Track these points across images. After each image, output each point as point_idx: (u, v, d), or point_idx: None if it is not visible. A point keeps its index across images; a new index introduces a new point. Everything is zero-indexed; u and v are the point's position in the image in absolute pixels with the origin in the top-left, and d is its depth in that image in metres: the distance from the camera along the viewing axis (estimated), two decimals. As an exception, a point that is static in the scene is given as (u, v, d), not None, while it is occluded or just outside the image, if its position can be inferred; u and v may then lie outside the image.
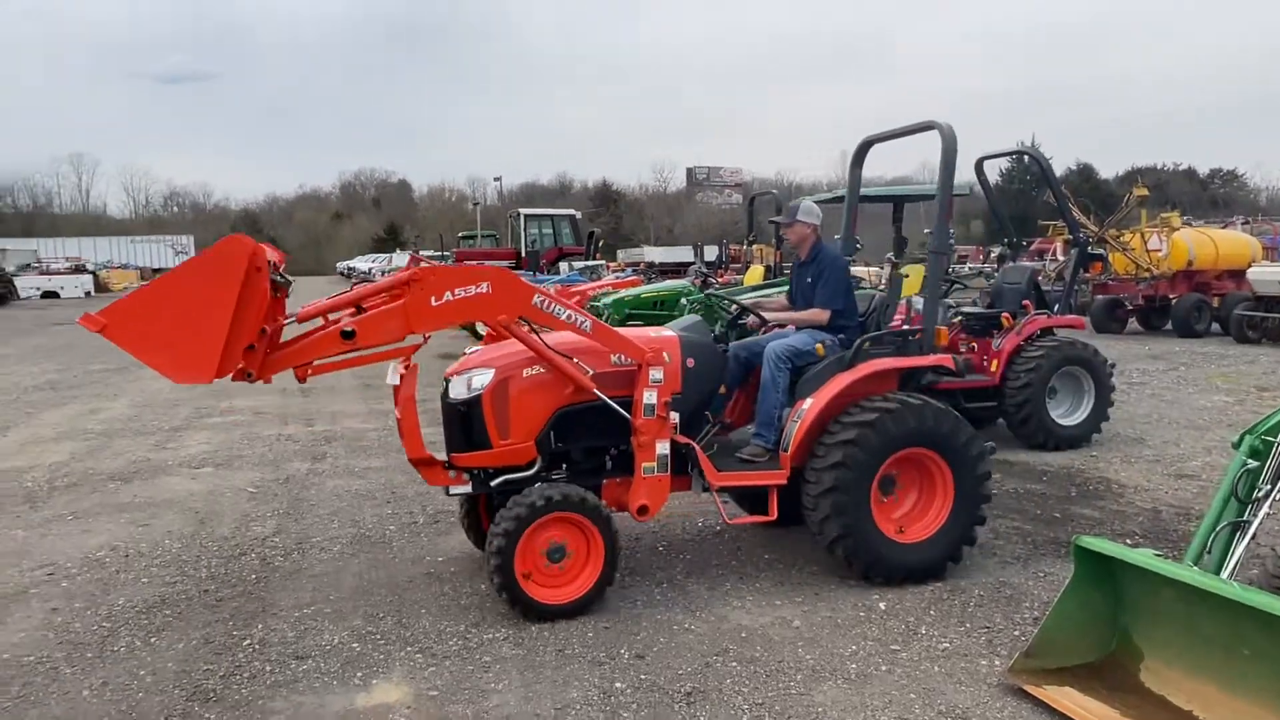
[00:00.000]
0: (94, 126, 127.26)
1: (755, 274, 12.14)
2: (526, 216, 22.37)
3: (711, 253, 21.14)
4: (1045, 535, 5.62)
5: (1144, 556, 3.43)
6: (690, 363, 4.82)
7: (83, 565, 5.30)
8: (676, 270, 26.87)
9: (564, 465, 4.89)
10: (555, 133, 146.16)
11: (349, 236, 77.72)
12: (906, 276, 9.92)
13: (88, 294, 42.56)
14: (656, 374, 4.60)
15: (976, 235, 55.26)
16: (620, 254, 36.76)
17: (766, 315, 5.45)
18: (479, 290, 4.33)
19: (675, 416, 4.69)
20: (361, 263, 54.07)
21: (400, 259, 41.48)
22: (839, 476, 4.60)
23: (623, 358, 4.66)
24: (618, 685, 3.76)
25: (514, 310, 4.40)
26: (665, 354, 4.72)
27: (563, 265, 19.34)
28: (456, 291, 4.29)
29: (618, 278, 15.21)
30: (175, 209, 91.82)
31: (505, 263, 21.81)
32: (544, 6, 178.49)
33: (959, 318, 8.43)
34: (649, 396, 4.59)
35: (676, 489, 4.85)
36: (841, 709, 3.55)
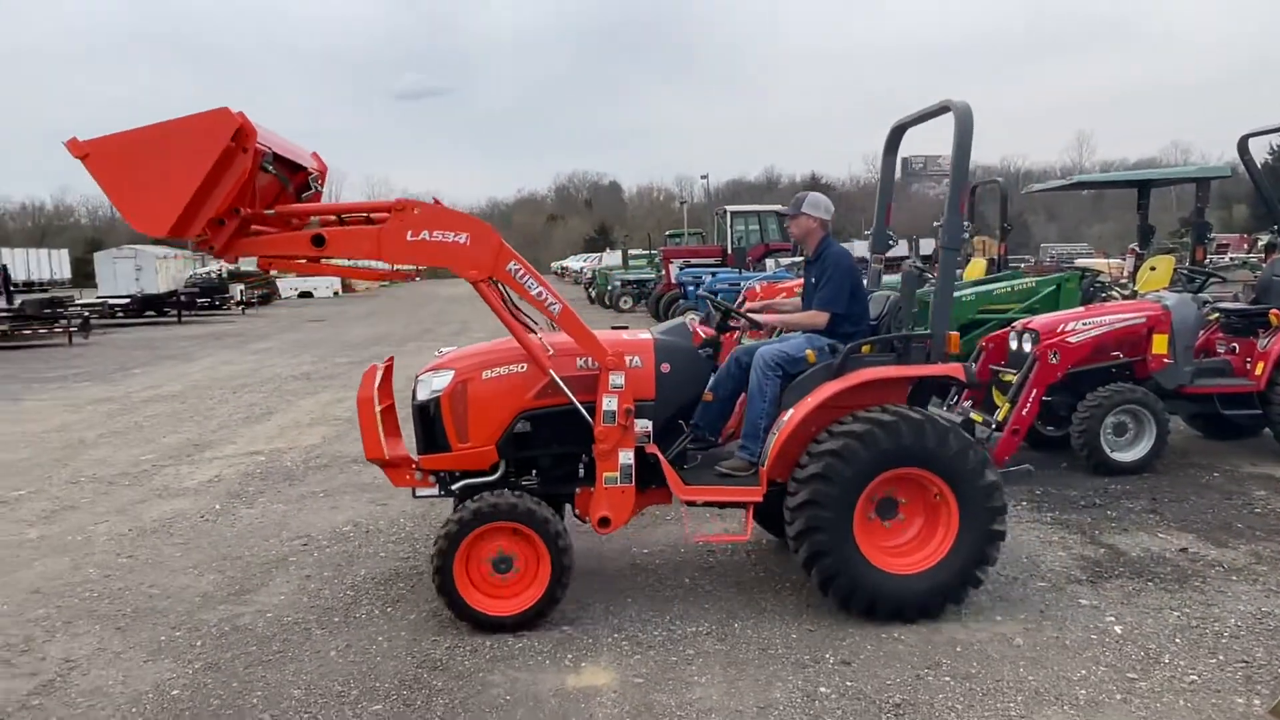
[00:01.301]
0: (343, 141, 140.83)
1: (977, 268, 11.43)
2: (732, 213, 22.42)
3: (928, 246, 20.19)
4: (1321, 562, 4.92)
5: None
6: (665, 368, 4.56)
7: (331, 538, 5.87)
8: (891, 265, 25.80)
9: (534, 471, 4.74)
10: (763, 127, 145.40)
11: (562, 237, 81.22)
12: (1154, 269, 8.99)
13: (335, 294, 47.19)
14: (617, 379, 4.35)
15: (1240, 222, 49.36)
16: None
17: (758, 317, 5.07)
18: (456, 239, 4.20)
19: (647, 424, 4.43)
20: (574, 262, 56.28)
21: (611, 258, 42.78)
22: (818, 490, 4.20)
23: (589, 361, 4.44)
24: (822, 690, 3.69)
25: (485, 269, 4.24)
26: (636, 358, 4.51)
27: (769, 262, 19.21)
28: (435, 234, 4.17)
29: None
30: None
31: (712, 260, 22.01)
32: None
33: (1216, 314, 7.60)
34: (609, 403, 4.31)
35: (655, 501, 4.68)
36: (1068, 737, 3.29)
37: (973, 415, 6.53)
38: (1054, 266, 21.70)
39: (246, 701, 3.70)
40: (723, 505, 4.86)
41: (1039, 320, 7.14)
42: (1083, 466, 6.86)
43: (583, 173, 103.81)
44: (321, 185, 4.38)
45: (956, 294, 11.16)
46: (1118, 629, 4.17)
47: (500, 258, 4.23)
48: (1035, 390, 6.57)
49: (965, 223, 4.63)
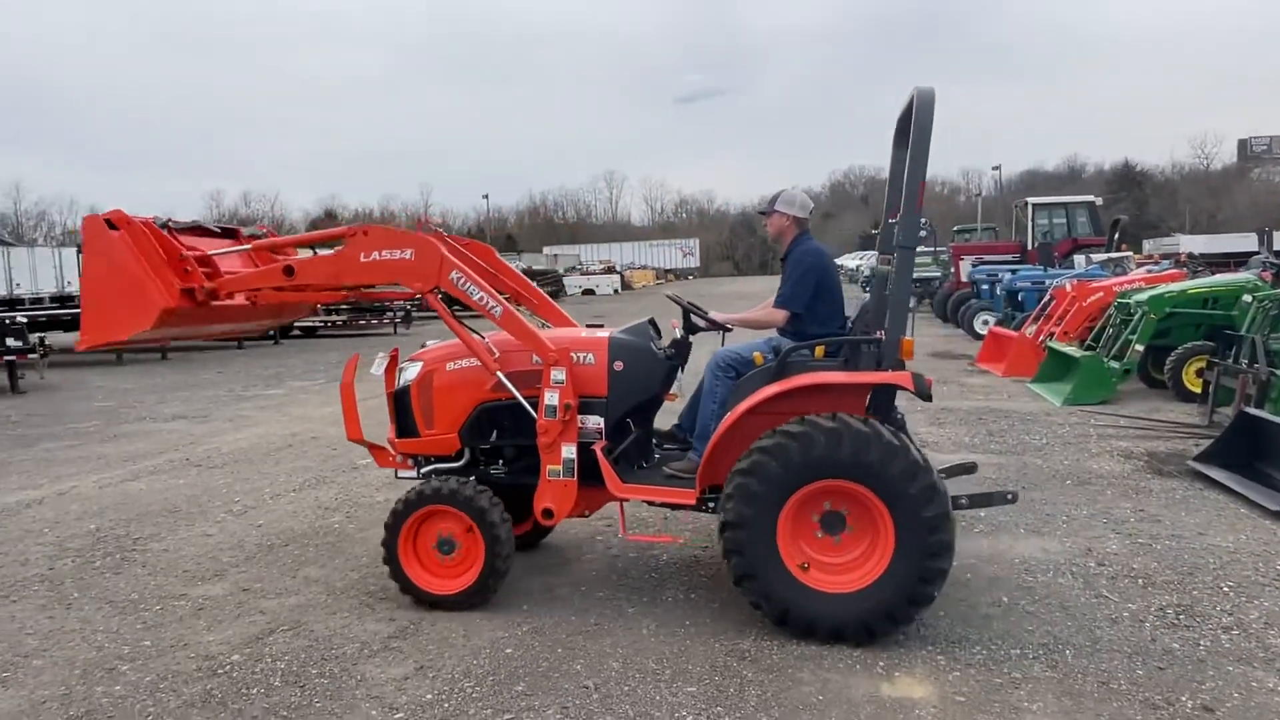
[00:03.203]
0: (623, 145, 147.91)
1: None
2: (1035, 205, 20.64)
3: None
4: None
5: None
6: (618, 366, 4.59)
7: (631, 522, 6.11)
8: (1224, 262, 22.58)
9: (500, 461, 4.90)
10: (1063, 112, 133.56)
11: (837, 234, 79.59)
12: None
13: (615, 291, 49.62)
14: (558, 374, 4.45)
15: None
16: (1147, 244, 32.13)
17: (715, 316, 4.86)
18: (402, 255, 4.51)
19: (597, 421, 4.54)
20: (850, 260, 54.94)
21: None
22: (735, 511, 4.05)
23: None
24: (1182, 737, 3.25)
25: (430, 280, 4.50)
26: (589, 355, 4.59)
27: (1078, 258, 17.48)
28: (384, 253, 4.52)
29: (1150, 271, 13.28)
30: (684, 215, 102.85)
31: (1009, 256, 20.48)
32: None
33: None
34: (550, 397, 4.45)
35: (609, 499, 4.63)
36: None
37: None
38: None
39: (570, 667, 3.93)
40: (658, 505, 4.79)
41: None
42: None
43: (859, 168, 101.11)
44: (263, 231, 5.02)
45: (1154, 293, 9.58)
46: None
47: (443, 269, 4.50)
48: None
49: (922, 220, 4.18)
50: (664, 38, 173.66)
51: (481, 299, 4.49)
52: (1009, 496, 4.46)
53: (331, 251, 4.73)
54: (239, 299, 4.81)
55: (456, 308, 4.96)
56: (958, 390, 11.48)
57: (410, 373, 4.93)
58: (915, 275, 19.87)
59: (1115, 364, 10.26)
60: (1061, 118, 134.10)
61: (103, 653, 4.22)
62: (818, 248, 4.84)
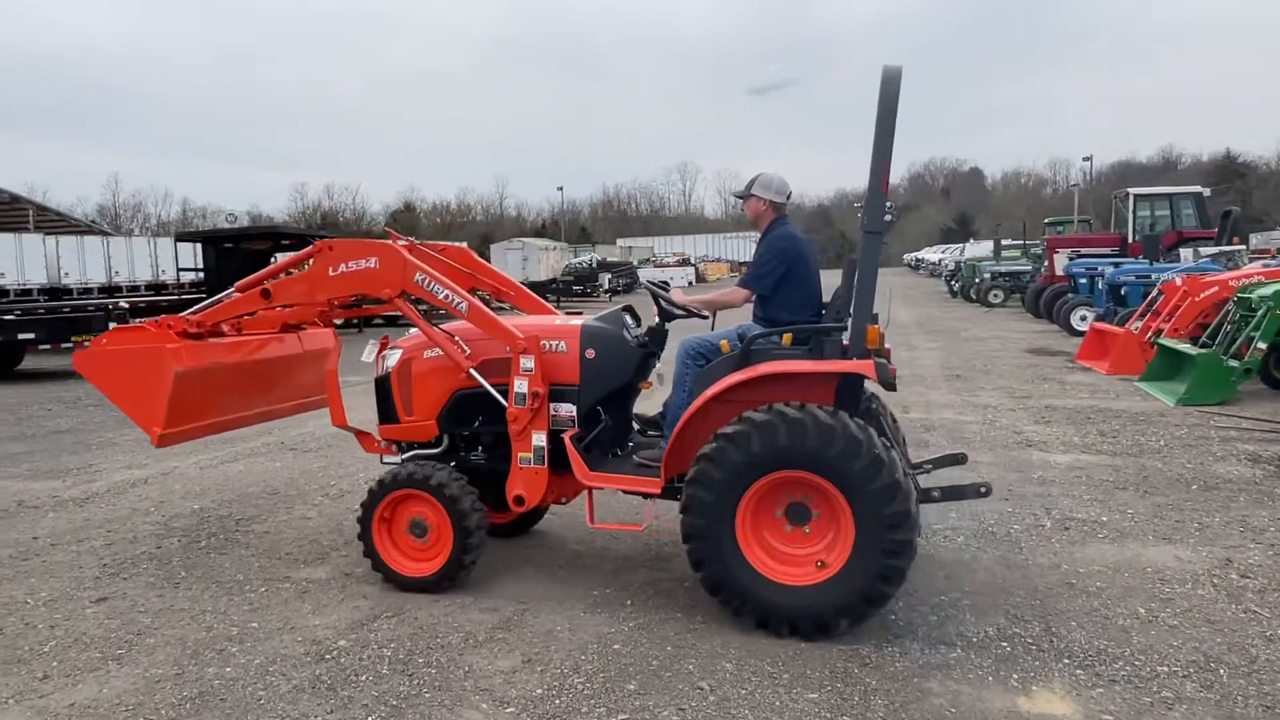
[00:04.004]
0: (696, 137, 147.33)
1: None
2: (1137, 196, 19.67)
3: None
4: None
5: None
6: (590, 354, 4.60)
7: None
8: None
9: (479, 447, 4.91)
10: (1157, 102, 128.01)
11: (916, 227, 77.90)
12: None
13: (690, 283, 49.27)
14: (527, 362, 4.49)
15: None
16: (1255, 238, 30.50)
17: (678, 298, 4.74)
18: (368, 264, 4.70)
19: (569, 409, 4.57)
20: (931, 253, 53.66)
21: (975, 249, 40.04)
22: (694, 497, 4.03)
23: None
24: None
25: (396, 285, 4.66)
26: (561, 344, 4.61)
27: (1184, 252, 16.59)
28: (350, 264, 4.72)
29: (1267, 265, 12.50)
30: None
31: (1108, 250, 19.61)
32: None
33: None
34: (519, 385, 4.49)
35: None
36: None
37: None
38: None
39: (682, 667, 3.78)
40: (627, 493, 4.71)
41: None
42: None
43: (939, 159, 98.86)
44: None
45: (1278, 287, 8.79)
46: None
47: (406, 272, 4.66)
48: None
49: (888, 202, 4.03)
50: (737, 29, 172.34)
51: (446, 297, 4.63)
52: (982, 489, 4.34)
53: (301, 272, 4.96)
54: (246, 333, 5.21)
55: (424, 307, 5.11)
56: (1059, 388, 10.97)
57: (391, 360, 4.99)
58: (1005, 270, 19.39)
59: (1235, 363, 9.65)
60: (1155, 106, 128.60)
61: (212, 633, 4.24)
62: (792, 233, 4.77)
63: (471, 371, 4.63)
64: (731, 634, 4.08)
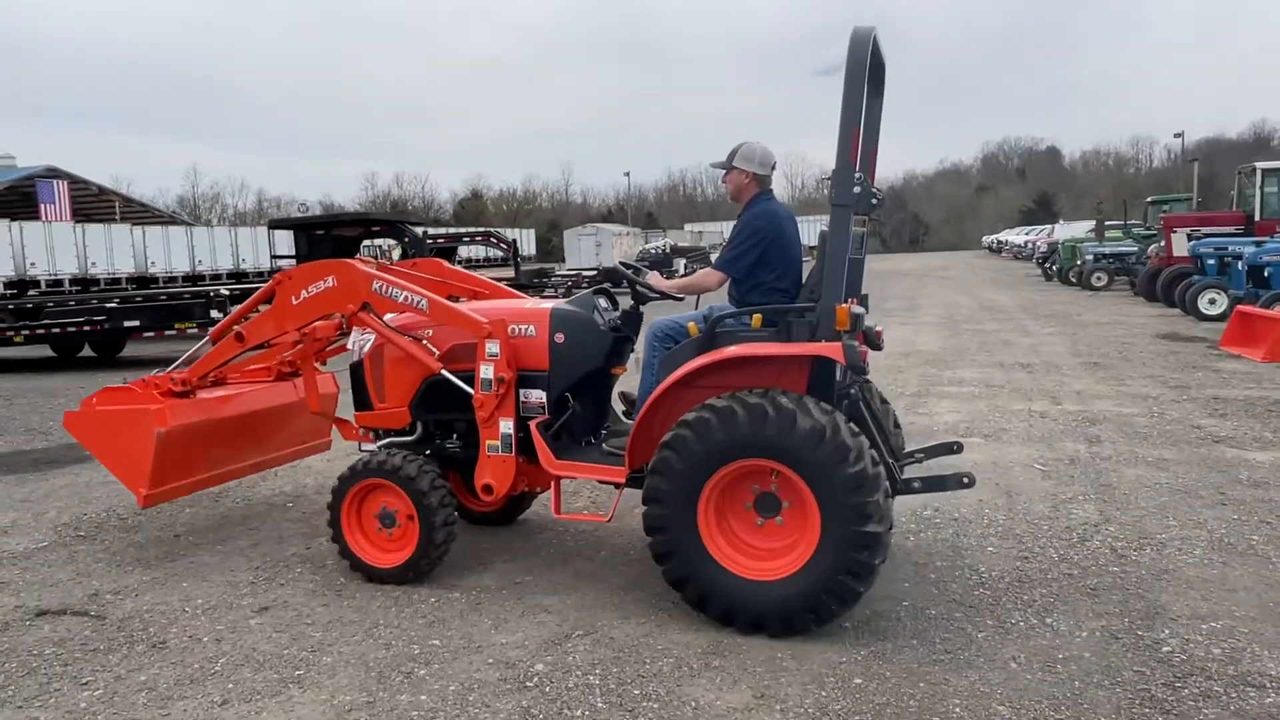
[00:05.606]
0: (762, 120, 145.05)
1: None
2: (1264, 171, 18.32)
3: None
4: None
5: None
6: (560, 338, 4.45)
7: (944, 519, 5.41)
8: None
9: (454, 435, 4.76)
10: (1247, 75, 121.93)
11: (992, 209, 75.53)
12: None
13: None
14: (492, 348, 4.35)
15: None
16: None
17: (652, 280, 4.59)
18: (327, 285, 4.65)
19: (539, 395, 4.44)
20: (1013, 235, 51.73)
21: (1065, 230, 38.37)
22: (654, 487, 3.86)
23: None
24: None
25: (357, 298, 4.60)
26: (530, 328, 4.48)
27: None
28: (310, 288, 4.68)
29: None
30: (824, 191, 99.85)
31: (1232, 227, 18.37)
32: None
33: None
34: (485, 371, 4.36)
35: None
36: None
37: None
38: None
39: (947, 709, 3.25)
40: (598, 482, 4.54)
41: None
42: None
43: (1014, 139, 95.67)
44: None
45: None
46: None
47: (363, 284, 4.59)
48: None
49: (857, 174, 3.74)
50: (802, 9, 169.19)
51: (405, 298, 4.56)
52: (964, 480, 4.10)
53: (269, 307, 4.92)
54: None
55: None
56: (1216, 377, 10.11)
57: (365, 346, 4.87)
58: (1109, 251, 18.27)
59: None
60: (1246, 80, 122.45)
61: (392, 651, 3.85)
62: (774, 210, 4.44)
63: (448, 376, 4.49)
64: (985, 668, 3.53)
